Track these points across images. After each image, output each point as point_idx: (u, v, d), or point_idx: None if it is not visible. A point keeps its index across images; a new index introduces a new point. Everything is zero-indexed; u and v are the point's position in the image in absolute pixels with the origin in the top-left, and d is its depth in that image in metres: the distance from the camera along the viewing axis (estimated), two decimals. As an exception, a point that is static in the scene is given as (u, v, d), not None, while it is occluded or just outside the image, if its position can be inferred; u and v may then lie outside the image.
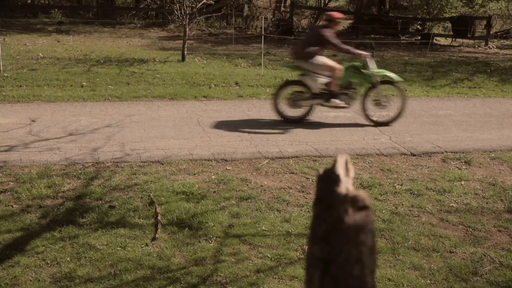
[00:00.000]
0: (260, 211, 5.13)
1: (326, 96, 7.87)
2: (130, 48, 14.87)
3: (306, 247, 3.96)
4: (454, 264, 4.34)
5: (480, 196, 5.72)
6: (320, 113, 8.67)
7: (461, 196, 5.68)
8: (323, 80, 7.82)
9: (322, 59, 7.77)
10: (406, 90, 10.52)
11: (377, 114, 8.15)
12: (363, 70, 7.85)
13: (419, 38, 18.97)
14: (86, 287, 3.89)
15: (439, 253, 4.50)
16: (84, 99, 9.19)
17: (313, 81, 7.84)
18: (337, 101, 7.92)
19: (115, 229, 4.68)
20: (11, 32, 16.02)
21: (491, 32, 18.92)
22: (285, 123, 8.01)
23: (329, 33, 7.66)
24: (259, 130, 7.62)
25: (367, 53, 7.87)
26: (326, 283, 1.20)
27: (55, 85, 10.14)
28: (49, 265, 4.14)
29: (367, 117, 8.08)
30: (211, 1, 14.68)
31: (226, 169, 6.18)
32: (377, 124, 8.06)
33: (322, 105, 8.00)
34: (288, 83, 8.23)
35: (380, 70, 8.09)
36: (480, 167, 6.56)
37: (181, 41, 13.53)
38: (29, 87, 9.91)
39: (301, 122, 8.03)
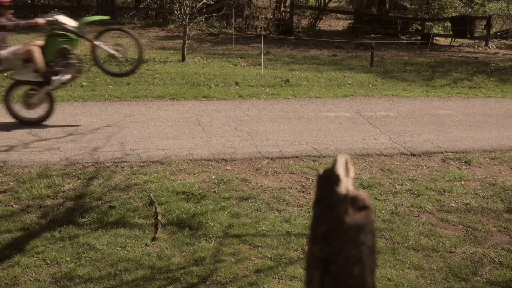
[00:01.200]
0: (260, 211, 5.13)
1: (45, 80, 7.11)
2: (130, 48, 14.86)
3: (306, 247, 3.96)
4: (454, 264, 4.34)
5: (480, 196, 5.72)
6: (320, 113, 8.68)
7: (461, 196, 5.68)
8: (28, 68, 7.10)
9: (11, 50, 7.11)
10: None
11: (115, 66, 7.53)
12: (62, 32, 7.10)
13: (419, 38, 18.98)
14: (86, 287, 3.89)
15: (439, 253, 4.50)
16: (84, 99, 9.19)
17: (24, 74, 7.16)
18: (59, 78, 7.19)
19: (115, 229, 4.68)
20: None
21: (491, 32, 18.91)
22: (289, 124, 8.00)
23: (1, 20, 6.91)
24: (259, 130, 7.62)
25: (47, 17, 7.14)
26: (326, 283, 1.20)
27: (55, 85, 10.13)
28: (49, 265, 4.15)
29: (108, 72, 7.59)
30: (211, 1, 14.68)
31: (226, 169, 6.18)
32: (124, 75, 7.70)
33: (51, 88, 7.22)
34: (12, 86, 7.38)
35: (81, 22, 7.20)
36: (480, 167, 6.56)
37: (181, 41, 13.53)
38: (29, 87, 9.90)
39: (44, 121, 7.44)
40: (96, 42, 7.22)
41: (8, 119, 7.59)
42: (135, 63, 7.57)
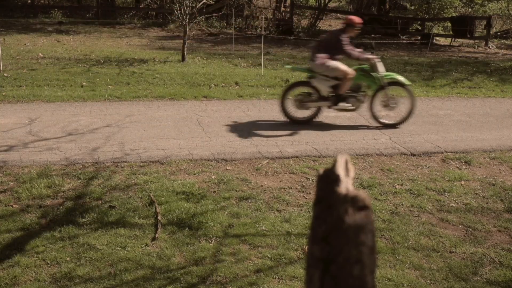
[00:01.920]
0: (260, 211, 5.13)
1: (334, 99, 7.84)
2: (130, 48, 14.87)
3: (306, 247, 3.96)
4: (454, 264, 4.34)
5: (480, 196, 5.72)
6: (320, 113, 8.67)
7: (461, 196, 5.68)
8: (332, 83, 7.80)
9: (335, 63, 7.72)
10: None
11: (385, 116, 8.11)
12: (371, 73, 7.85)
13: (419, 38, 18.98)
14: (86, 287, 3.89)
15: (439, 253, 4.50)
16: (84, 99, 9.19)
17: (322, 84, 7.81)
18: (345, 104, 7.90)
19: (115, 229, 4.68)
20: (11, 32, 16.02)
21: (491, 32, 18.91)
22: (290, 124, 7.99)
23: (344, 39, 7.67)
24: (259, 130, 7.62)
25: (376, 57, 7.89)
26: (326, 283, 1.20)
27: (55, 85, 10.14)
28: (49, 265, 4.15)
29: (375, 118, 8.04)
30: (211, 1, 14.68)
31: (226, 169, 6.18)
32: (385, 125, 8.02)
33: (329, 107, 7.96)
34: (296, 84, 8.16)
35: (389, 73, 8.09)
36: (480, 167, 6.56)
37: (181, 41, 13.53)
38: (29, 87, 9.91)
39: (308, 124, 7.98)
40: (385, 89, 7.92)
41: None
42: (406, 115, 8.05)
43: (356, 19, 7.85)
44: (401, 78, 8.07)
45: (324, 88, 7.83)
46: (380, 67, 7.86)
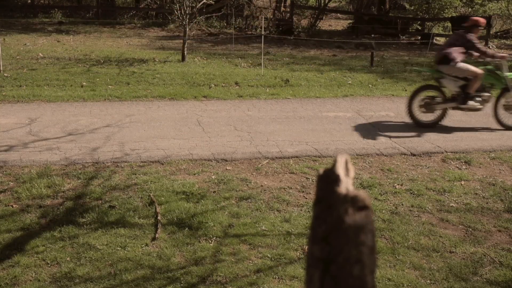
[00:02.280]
0: (260, 211, 5.13)
1: (461, 98, 7.89)
2: (130, 48, 14.87)
3: (306, 247, 3.96)
4: (454, 264, 4.34)
5: (480, 196, 5.72)
6: (321, 113, 8.68)
7: (461, 196, 5.68)
8: (460, 83, 7.87)
9: (464, 65, 7.82)
10: (406, 91, 10.53)
11: (508, 118, 8.14)
12: (497, 72, 7.93)
13: (419, 38, 18.97)
14: (86, 286, 3.89)
15: (439, 253, 4.50)
16: (84, 99, 9.19)
17: (451, 84, 7.91)
18: (474, 103, 7.94)
19: (115, 229, 4.68)
20: (11, 32, 16.01)
21: (491, 32, 18.90)
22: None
23: (474, 38, 7.80)
24: (259, 130, 7.62)
25: (505, 56, 8.00)
26: (326, 283, 1.19)
27: (55, 85, 10.14)
28: (49, 265, 4.15)
29: (498, 121, 8.09)
30: (211, 1, 14.68)
31: (226, 169, 6.18)
32: (508, 128, 8.07)
33: (456, 108, 8.00)
34: (423, 87, 8.23)
35: None
36: (480, 167, 6.56)
37: (181, 41, 13.53)
38: (29, 87, 9.92)
39: (434, 127, 8.00)
40: (509, 91, 7.94)
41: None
42: None
43: (481, 20, 8.01)
44: None
45: (453, 88, 7.91)
46: (505, 68, 7.94)
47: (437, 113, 8.09)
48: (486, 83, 8.02)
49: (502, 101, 8.09)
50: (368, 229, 1.20)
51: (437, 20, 20.51)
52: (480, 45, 7.87)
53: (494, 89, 8.15)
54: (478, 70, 7.88)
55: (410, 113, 8.02)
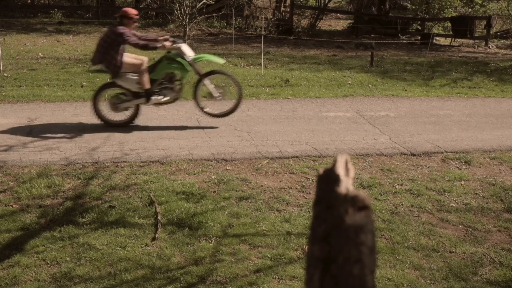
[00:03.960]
0: (260, 211, 5.13)
1: (144, 95, 7.36)
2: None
3: (306, 247, 3.96)
4: (454, 264, 4.34)
5: (480, 196, 5.72)
6: (321, 113, 8.68)
7: (461, 196, 5.68)
8: (136, 79, 7.32)
9: (124, 59, 7.25)
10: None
11: (213, 106, 7.71)
12: (178, 59, 7.32)
13: (419, 38, 18.96)
14: (86, 286, 3.89)
15: (439, 253, 4.50)
16: (84, 99, 9.19)
17: (128, 82, 7.34)
18: (157, 98, 7.42)
19: (115, 229, 4.68)
20: (11, 32, 16.01)
21: (491, 32, 18.90)
22: (286, 123, 8.00)
23: (124, 31, 7.17)
24: (259, 130, 7.62)
25: (176, 41, 7.38)
26: (326, 283, 1.20)
27: (55, 85, 10.14)
28: (49, 265, 4.15)
29: (201, 110, 7.67)
30: (211, 1, 14.68)
31: (226, 169, 6.18)
32: (215, 116, 7.69)
33: (146, 104, 7.49)
34: (105, 86, 7.61)
35: (199, 56, 7.59)
36: (480, 167, 6.56)
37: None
38: (29, 87, 9.91)
39: (127, 126, 7.51)
40: (205, 80, 7.53)
41: (11, 119, 7.59)
42: (231, 108, 7.68)
43: (131, 10, 7.45)
44: (214, 58, 7.75)
45: (132, 86, 7.36)
46: (188, 51, 7.37)
47: (131, 110, 7.53)
48: (170, 72, 7.42)
49: (200, 90, 7.55)
50: (368, 229, 1.20)
51: (437, 20, 20.50)
52: (133, 38, 7.20)
53: (184, 77, 7.60)
54: (137, 60, 7.29)
55: (97, 112, 7.42)
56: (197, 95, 7.63)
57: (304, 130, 7.68)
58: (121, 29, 7.21)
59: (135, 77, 7.33)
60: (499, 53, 17.31)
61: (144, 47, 7.25)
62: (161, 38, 7.46)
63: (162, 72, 7.43)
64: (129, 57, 7.37)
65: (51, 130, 7.32)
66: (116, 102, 7.47)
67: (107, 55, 7.23)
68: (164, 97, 7.51)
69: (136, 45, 7.26)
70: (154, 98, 7.42)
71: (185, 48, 7.40)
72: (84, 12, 22.71)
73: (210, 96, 7.64)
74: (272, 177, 6.00)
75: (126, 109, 7.53)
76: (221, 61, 7.95)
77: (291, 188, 5.71)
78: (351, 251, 1.18)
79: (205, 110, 7.71)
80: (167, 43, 7.31)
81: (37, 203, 5.15)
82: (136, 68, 7.29)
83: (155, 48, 7.31)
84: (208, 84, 7.56)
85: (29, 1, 23.59)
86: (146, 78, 7.29)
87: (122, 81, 7.37)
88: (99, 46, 7.34)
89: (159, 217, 4.88)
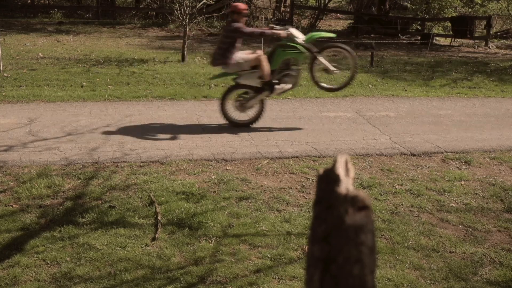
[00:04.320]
0: (260, 211, 5.13)
1: (268, 87, 7.48)
2: (130, 48, 14.87)
3: (306, 247, 3.96)
4: (454, 264, 4.34)
5: (480, 196, 5.72)
6: (321, 113, 8.68)
7: (461, 196, 5.68)
8: (257, 73, 7.45)
9: (239, 56, 7.42)
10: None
11: (329, 81, 7.76)
12: (291, 44, 7.44)
13: (419, 38, 18.96)
14: (86, 286, 3.89)
15: (439, 253, 4.50)
16: (84, 99, 9.19)
17: (249, 79, 7.50)
18: (281, 86, 7.54)
19: (115, 229, 4.68)
20: (11, 32, 16.01)
21: (491, 32, 18.90)
22: (290, 124, 7.99)
23: (239, 25, 7.31)
24: (259, 130, 7.61)
25: (285, 28, 7.49)
26: (326, 283, 1.19)
27: (55, 85, 10.14)
28: (49, 265, 4.15)
29: (320, 86, 7.81)
30: (211, 1, 14.67)
31: (226, 169, 6.18)
32: (334, 90, 7.91)
33: (270, 95, 7.63)
34: (230, 88, 7.78)
35: (309, 35, 7.66)
36: (480, 167, 6.56)
37: (181, 41, 13.53)
38: (29, 87, 9.91)
39: (254, 124, 7.71)
40: (319, 57, 7.55)
41: (6, 119, 7.59)
42: (347, 80, 7.77)
43: (240, 5, 7.54)
44: (324, 34, 7.85)
45: (253, 82, 7.51)
46: (298, 34, 7.47)
47: (256, 108, 7.68)
48: (288, 58, 7.54)
49: (316, 67, 7.66)
50: (368, 229, 1.20)
51: (437, 20, 20.50)
52: (248, 29, 7.41)
53: (301, 60, 7.70)
54: (253, 55, 7.45)
55: (225, 114, 7.60)
56: (313, 71, 7.72)
57: (304, 130, 7.68)
58: (235, 24, 7.37)
59: (256, 72, 7.46)
60: (499, 53, 17.31)
61: (261, 35, 7.52)
62: (267, 29, 7.63)
63: (279, 61, 7.53)
64: (245, 53, 7.58)
65: (51, 130, 7.32)
66: (242, 102, 7.66)
67: (227, 53, 7.40)
68: (286, 84, 7.61)
69: (252, 34, 7.55)
70: (278, 87, 7.52)
71: (295, 31, 7.53)
72: (84, 12, 22.71)
73: (326, 71, 7.71)
74: (272, 177, 6.00)
75: (251, 107, 7.68)
76: (332, 35, 7.97)
77: (291, 188, 5.71)
78: (351, 251, 1.18)
79: (321, 84, 7.80)
80: (282, 32, 7.40)
81: (37, 203, 5.15)
82: (255, 63, 7.42)
83: (271, 36, 7.47)
84: (323, 59, 7.62)
85: (29, 1, 23.59)
86: (267, 69, 7.38)
87: (244, 79, 7.54)
88: (218, 47, 7.57)
89: (159, 217, 4.87)
